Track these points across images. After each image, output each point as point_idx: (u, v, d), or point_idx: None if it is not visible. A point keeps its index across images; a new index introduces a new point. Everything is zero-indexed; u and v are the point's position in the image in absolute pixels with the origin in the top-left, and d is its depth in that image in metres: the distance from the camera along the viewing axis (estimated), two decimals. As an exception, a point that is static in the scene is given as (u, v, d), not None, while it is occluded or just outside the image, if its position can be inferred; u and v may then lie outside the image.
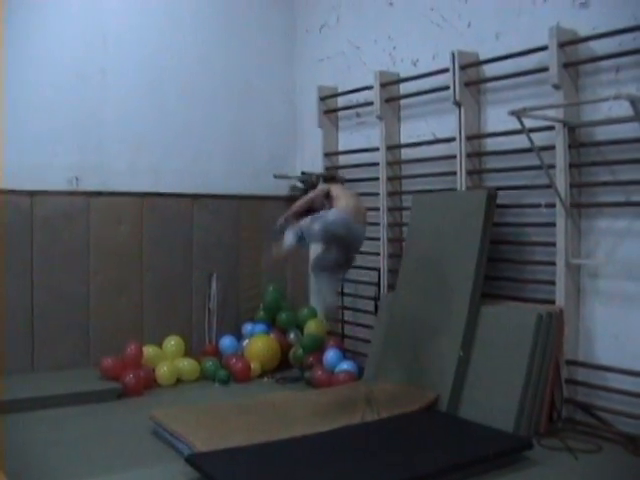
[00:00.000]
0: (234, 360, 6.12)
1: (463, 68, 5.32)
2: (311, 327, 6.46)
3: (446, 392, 4.86)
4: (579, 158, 4.74)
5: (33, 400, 5.18)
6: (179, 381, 5.93)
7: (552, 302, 4.80)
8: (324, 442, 4.17)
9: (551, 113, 4.69)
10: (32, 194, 5.86)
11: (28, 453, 4.25)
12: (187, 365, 6.00)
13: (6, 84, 5.72)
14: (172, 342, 6.12)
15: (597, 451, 4.28)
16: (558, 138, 4.71)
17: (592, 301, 4.74)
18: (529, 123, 4.60)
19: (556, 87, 4.67)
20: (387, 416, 4.64)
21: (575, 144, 4.71)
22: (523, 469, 3.99)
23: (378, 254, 6.11)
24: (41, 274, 5.93)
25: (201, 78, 6.74)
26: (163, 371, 5.82)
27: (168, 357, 6.00)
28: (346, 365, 5.86)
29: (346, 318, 6.59)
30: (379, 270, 6.09)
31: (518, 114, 4.46)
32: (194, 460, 3.82)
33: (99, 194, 6.16)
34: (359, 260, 6.32)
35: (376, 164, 6.12)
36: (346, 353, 6.20)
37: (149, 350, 5.93)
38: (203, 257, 6.69)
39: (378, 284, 6.09)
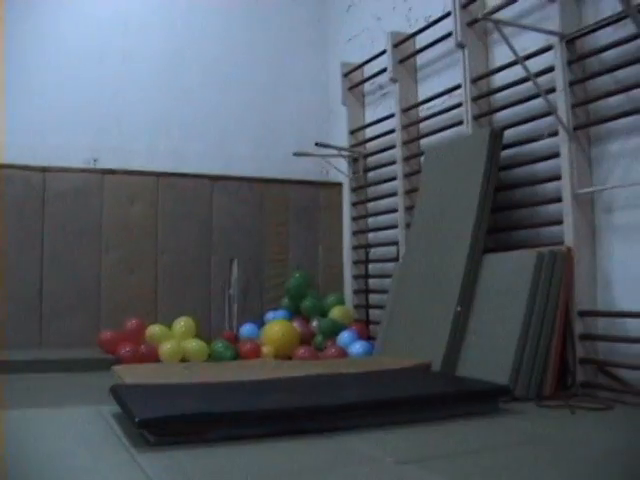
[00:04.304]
0: (247, 344, 5.74)
1: (464, 6, 4.87)
2: (335, 313, 5.98)
3: (440, 351, 4.22)
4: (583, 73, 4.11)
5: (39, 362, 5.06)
6: (185, 361, 5.43)
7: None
8: (262, 385, 3.69)
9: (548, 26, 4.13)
10: (44, 170, 5.85)
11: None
12: (195, 345, 5.60)
13: (26, 65, 5.90)
14: (181, 322, 5.76)
15: (606, 409, 3.50)
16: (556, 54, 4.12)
17: (609, 239, 4.00)
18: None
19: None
20: (358, 371, 4.11)
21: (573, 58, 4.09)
22: (495, 417, 3.31)
23: (396, 227, 5.60)
24: (52, 250, 5.86)
25: (224, 59, 6.63)
26: (166, 349, 5.47)
27: (175, 336, 5.69)
28: (359, 345, 5.33)
29: (373, 302, 6.05)
30: (397, 243, 5.55)
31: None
32: (115, 390, 3.43)
33: (113, 172, 6.09)
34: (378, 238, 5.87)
35: (392, 131, 5.70)
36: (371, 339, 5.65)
37: (155, 328, 5.62)
38: (223, 241, 6.38)
39: (397, 259, 5.53)
